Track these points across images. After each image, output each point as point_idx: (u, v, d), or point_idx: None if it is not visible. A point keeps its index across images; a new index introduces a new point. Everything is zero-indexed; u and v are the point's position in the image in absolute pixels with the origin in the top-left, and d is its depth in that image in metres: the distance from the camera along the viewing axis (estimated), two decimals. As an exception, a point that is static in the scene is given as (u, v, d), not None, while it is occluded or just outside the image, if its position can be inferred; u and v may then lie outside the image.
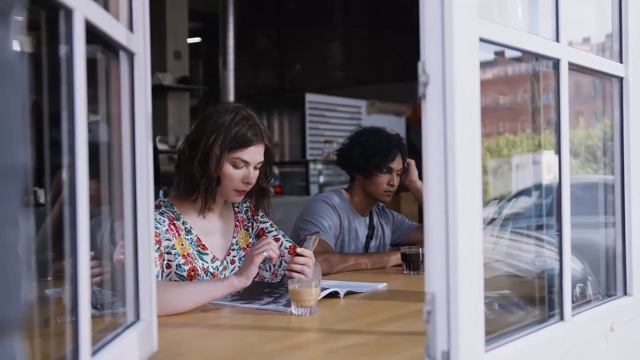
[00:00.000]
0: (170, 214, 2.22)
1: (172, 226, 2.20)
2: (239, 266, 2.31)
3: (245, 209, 2.45)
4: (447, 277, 1.18)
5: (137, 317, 1.40)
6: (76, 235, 1.02)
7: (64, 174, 1.06)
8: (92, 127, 1.11)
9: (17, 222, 0.60)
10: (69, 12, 1.01)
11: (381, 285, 2.37)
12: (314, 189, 7.48)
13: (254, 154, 2.23)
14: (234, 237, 2.38)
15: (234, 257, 2.35)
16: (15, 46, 0.61)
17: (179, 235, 2.22)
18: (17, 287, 0.59)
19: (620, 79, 1.83)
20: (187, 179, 2.22)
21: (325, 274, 2.71)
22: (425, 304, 1.19)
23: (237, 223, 2.41)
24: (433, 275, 1.19)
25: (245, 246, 2.39)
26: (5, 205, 0.58)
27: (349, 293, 2.21)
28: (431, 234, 1.19)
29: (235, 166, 2.21)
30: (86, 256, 1.04)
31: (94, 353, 1.11)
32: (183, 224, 2.25)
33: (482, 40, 1.26)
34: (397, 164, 3.05)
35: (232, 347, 1.64)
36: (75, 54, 1.02)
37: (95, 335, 1.10)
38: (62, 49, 1.03)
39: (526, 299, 1.74)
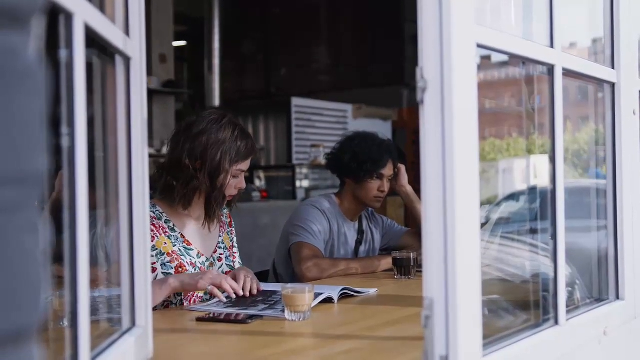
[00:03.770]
0: (151, 213, 2.24)
1: (152, 226, 2.23)
2: (226, 264, 2.43)
3: (225, 214, 2.55)
4: (446, 283, 1.18)
5: (133, 323, 1.39)
6: (76, 241, 1.01)
7: (61, 178, 1.05)
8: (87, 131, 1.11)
9: (36, 228, 0.59)
10: (69, 17, 1.00)
11: (372, 291, 2.38)
12: (300, 193, 7.47)
13: (249, 162, 2.38)
14: (220, 236, 2.47)
15: (220, 254, 2.44)
16: (35, 52, 0.61)
17: (160, 234, 2.27)
18: (37, 293, 0.59)
19: (612, 85, 1.84)
20: (193, 191, 2.29)
21: (316, 279, 2.72)
22: (423, 309, 1.19)
23: (222, 224, 2.50)
24: (431, 281, 1.19)
25: (228, 247, 2.49)
26: (25, 211, 0.58)
27: (343, 294, 2.22)
28: (429, 239, 1.19)
29: (235, 176, 2.33)
30: (85, 262, 1.03)
31: (92, 359, 1.10)
32: (165, 222, 2.31)
33: (479, 46, 1.27)
34: (388, 170, 3.05)
35: (227, 352, 1.64)
36: (75, 58, 1.01)
37: (91, 341, 1.09)
38: (62, 53, 1.02)
39: (518, 304, 1.75)
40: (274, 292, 2.21)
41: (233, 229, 2.56)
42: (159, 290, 2.06)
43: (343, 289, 2.23)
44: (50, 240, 1.06)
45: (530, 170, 1.97)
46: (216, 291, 2.09)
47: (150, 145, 7.00)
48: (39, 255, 0.60)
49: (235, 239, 2.57)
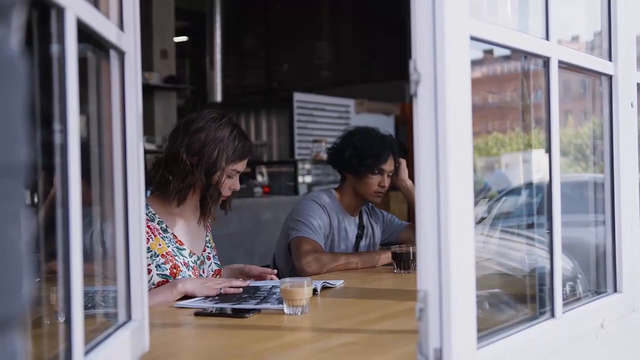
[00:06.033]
0: (144, 210, 2.26)
1: (147, 228, 2.24)
2: (214, 262, 2.48)
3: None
4: (440, 275, 1.18)
5: (129, 317, 1.39)
6: (69, 236, 1.01)
7: (55, 174, 1.06)
8: (81, 127, 1.11)
9: (19, 220, 0.60)
10: (60, 11, 1.00)
11: (339, 283, 2.40)
12: (302, 188, 7.47)
13: (245, 164, 2.41)
14: (207, 236, 2.50)
15: (208, 253, 2.48)
16: (16, 45, 0.61)
17: (155, 236, 2.29)
18: (20, 284, 0.60)
19: (610, 77, 1.84)
20: (188, 187, 2.31)
21: (316, 274, 2.72)
22: (417, 301, 1.20)
23: (208, 224, 2.52)
24: (425, 273, 1.19)
25: (213, 246, 2.53)
26: (8, 202, 0.58)
27: (324, 288, 2.28)
28: (423, 231, 1.20)
29: (229, 176, 2.35)
30: (78, 257, 1.03)
31: (87, 353, 1.11)
32: (158, 223, 2.33)
33: (472, 38, 1.27)
34: (388, 166, 3.05)
35: (224, 346, 1.64)
36: (67, 52, 1.02)
37: (86, 335, 1.09)
38: (54, 48, 1.03)
39: (517, 297, 1.75)
40: (258, 289, 2.23)
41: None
42: (170, 294, 2.11)
43: (323, 285, 2.27)
44: (48, 237, 1.07)
45: (532, 165, 1.97)
46: (230, 290, 2.16)
47: (152, 141, 7.00)
48: (22, 245, 0.60)
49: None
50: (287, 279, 1.99)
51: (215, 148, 2.29)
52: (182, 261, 2.31)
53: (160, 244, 2.28)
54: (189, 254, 2.36)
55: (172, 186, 2.29)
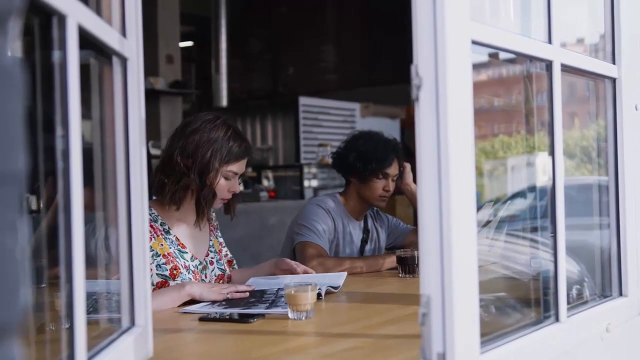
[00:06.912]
0: (148, 216, 2.27)
1: (150, 228, 2.26)
2: (217, 267, 2.46)
3: (214, 217, 2.58)
4: (442, 279, 1.18)
5: (132, 322, 1.39)
6: (71, 242, 1.02)
7: (59, 180, 1.06)
8: (84, 133, 1.11)
9: (16, 228, 0.60)
10: (62, 18, 1.01)
11: (341, 279, 2.40)
12: (308, 192, 7.47)
13: (243, 166, 2.39)
14: (210, 240, 2.49)
15: (212, 258, 2.47)
16: (13, 52, 0.62)
17: (158, 236, 2.30)
18: (16, 291, 0.60)
19: (613, 80, 1.83)
20: (183, 189, 2.31)
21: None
22: (420, 306, 1.19)
23: (212, 228, 2.53)
24: (428, 278, 1.19)
25: (218, 250, 2.52)
26: (5, 210, 0.59)
27: (327, 293, 2.26)
28: (426, 236, 1.19)
29: (226, 178, 2.35)
30: (81, 262, 1.03)
31: (90, 359, 1.11)
32: (161, 225, 2.34)
33: (474, 42, 1.27)
34: (393, 170, 3.04)
35: (228, 352, 1.64)
36: (69, 59, 1.02)
37: (89, 341, 1.10)
38: (55, 55, 1.03)
39: (522, 301, 1.74)
40: (264, 292, 2.23)
41: (219, 232, 2.59)
42: (177, 295, 2.11)
43: (326, 290, 2.26)
44: (53, 243, 1.07)
45: (538, 168, 1.97)
46: (236, 295, 2.16)
47: (158, 146, 7.00)
48: (19, 254, 0.60)
49: (222, 240, 2.60)
50: (292, 284, 1.99)
51: (209, 149, 2.29)
52: (182, 264, 2.31)
53: (162, 244, 2.29)
54: (191, 258, 2.36)
55: (167, 188, 2.30)
